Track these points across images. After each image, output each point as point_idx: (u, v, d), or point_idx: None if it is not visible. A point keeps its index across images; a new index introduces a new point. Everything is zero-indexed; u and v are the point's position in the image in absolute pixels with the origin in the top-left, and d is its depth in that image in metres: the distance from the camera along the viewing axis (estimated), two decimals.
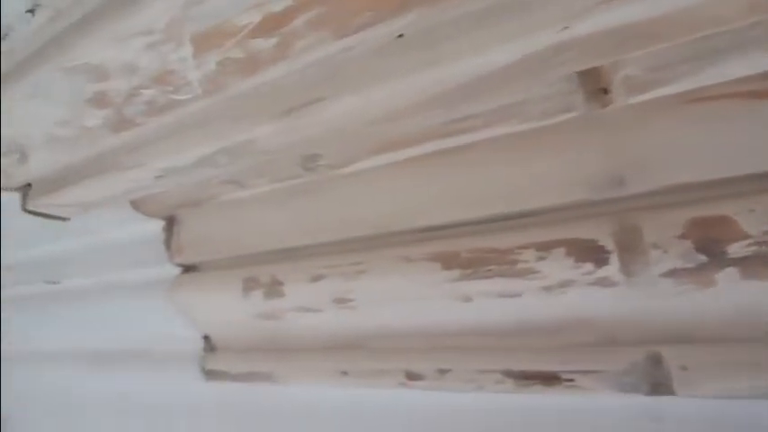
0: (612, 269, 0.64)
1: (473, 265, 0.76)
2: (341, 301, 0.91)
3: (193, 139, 0.71)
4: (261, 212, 1.00)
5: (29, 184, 0.99)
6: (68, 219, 1.07)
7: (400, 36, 0.52)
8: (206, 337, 1.17)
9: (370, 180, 0.85)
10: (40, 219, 1.12)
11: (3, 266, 1.51)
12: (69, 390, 1.54)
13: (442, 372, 0.82)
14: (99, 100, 0.69)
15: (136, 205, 1.12)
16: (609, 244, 0.64)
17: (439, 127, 0.73)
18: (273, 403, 1.06)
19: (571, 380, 0.68)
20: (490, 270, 0.73)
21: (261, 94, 0.63)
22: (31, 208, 1.00)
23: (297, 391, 1.02)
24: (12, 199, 1.01)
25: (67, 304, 1.43)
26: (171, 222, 1.18)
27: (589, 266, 0.65)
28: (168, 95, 0.64)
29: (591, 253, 0.65)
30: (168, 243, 1.17)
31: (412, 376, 0.84)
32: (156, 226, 1.18)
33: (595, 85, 0.61)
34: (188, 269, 1.15)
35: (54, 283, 1.41)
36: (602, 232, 0.64)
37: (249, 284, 1.01)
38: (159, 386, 1.31)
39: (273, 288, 0.97)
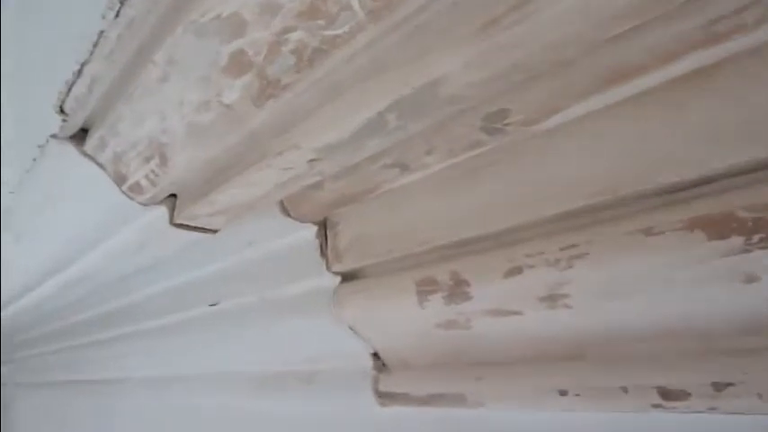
0: None
1: (762, 229, 0.52)
2: (550, 299, 0.70)
3: (356, 97, 0.55)
4: (433, 199, 0.82)
5: (173, 195, 0.90)
6: (217, 231, 0.96)
7: None
8: (375, 355, 1.01)
9: (583, 132, 0.63)
10: (188, 237, 1.04)
11: (156, 292, 1.48)
12: (229, 415, 1.46)
13: (718, 387, 0.58)
14: (236, 63, 0.55)
15: (286, 210, 1.00)
16: None
17: (696, 32, 0.50)
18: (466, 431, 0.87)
19: None
20: None
21: (449, 6, 0.44)
22: (179, 221, 0.90)
23: (496, 416, 0.82)
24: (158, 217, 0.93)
25: (224, 326, 1.35)
26: (324, 226, 1.04)
27: None
28: (321, 33, 0.48)
29: None
30: (323, 250, 1.04)
31: (670, 394, 0.61)
32: (309, 233, 1.05)
33: None
34: (348, 277, 1.00)
35: (213, 305, 1.34)
36: None
37: (425, 288, 0.83)
38: (326, 412, 1.17)
39: (456, 289, 0.78)
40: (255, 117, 0.62)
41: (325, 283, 1.04)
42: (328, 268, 1.02)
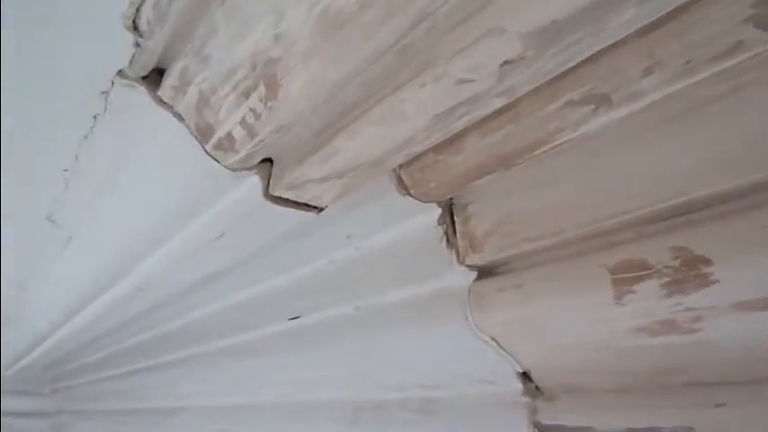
0: None
1: None
2: None
3: None
4: (640, 148, 0.58)
5: (269, 159, 0.68)
6: (323, 208, 0.74)
7: None
8: (524, 375, 0.76)
9: None
10: (281, 224, 0.82)
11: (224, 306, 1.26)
12: None
13: None
14: None
15: (403, 185, 0.77)
16: None
17: None
18: None
19: None
20: None
21: None
22: (278, 193, 0.69)
23: None
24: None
25: (306, 344, 1.12)
26: (449, 209, 0.81)
27: None
28: None
29: None
30: (449, 239, 0.80)
31: None
32: (429, 218, 0.82)
33: None
34: (488, 272, 0.76)
35: (294, 318, 1.11)
36: None
37: (627, 275, 0.58)
38: None
39: (688, 273, 0.53)
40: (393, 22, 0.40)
41: (454, 281, 0.80)
42: (460, 261, 0.78)
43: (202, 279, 1.13)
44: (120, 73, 0.61)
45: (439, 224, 0.82)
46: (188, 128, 0.64)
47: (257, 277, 1.11)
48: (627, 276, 0.58)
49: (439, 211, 0.81)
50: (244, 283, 1.15)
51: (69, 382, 2.54)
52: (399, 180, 0.77)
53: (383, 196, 0.80)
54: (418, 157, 0.72)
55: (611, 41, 0.46)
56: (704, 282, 0.53)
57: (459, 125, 0.53)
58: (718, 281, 0.52)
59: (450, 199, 0.81)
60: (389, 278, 0.92)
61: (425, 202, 0.78)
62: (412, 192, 0.77)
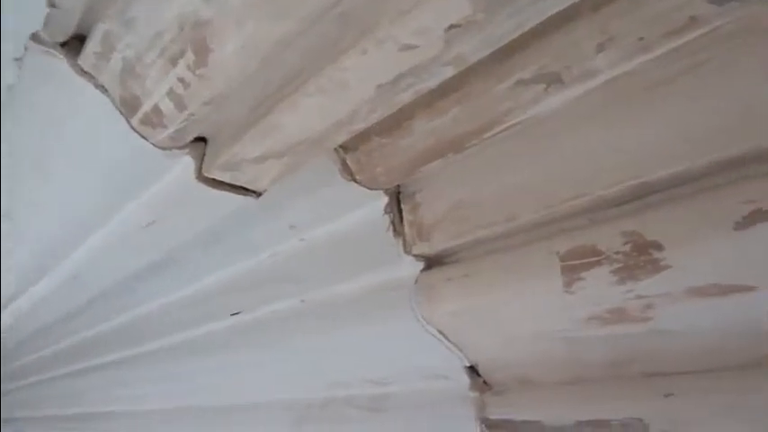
0: None
1: None
2: None
3: None
4: (592, 129, 0.56)
5: (203, 139, 0.64)
6: (261, 192, 0.70)
7: None
8: (472, 369, 0.74)
9: None
10: (216, 210, 0.77)
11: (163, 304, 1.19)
12: None
13: None
14: None
15: (349, 170, 0.73)
16: None
17: None
18: None
19: None
20: None
21: None
22: (211, 174, 0.64)
23: None
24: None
25: (251, 341, 1.06)
26: (396, 197, 0.78)
27: None
28: None
29: None
30: (396, 228, 0.77)
31: None
32: (375, 207, 0.78)
33: None
34: (436, 262, 0.73)
35: (236, 313, 1.06)
36: None
37: (576, 261, 0.56)
38: None
39: (639, 258, 0.52)
40: None
41: (401, 272, 0.77)
42: (407, 251, 0.75)
43: (139, 272, 1.07)
44: (35, 37, 0.55)
45: (386, 213, 0.78)
46: (112, 100, 0.59)
47: (197, 271, 1.05)
48: (577, 263, 0.56)
49: (386, 199, 0.77)
50: (183, 277, 1.09)
51: (11, 386, 2.38)
52: (344, 165, 0.73)
53: (328, 183, 0.76)
54: (364, 140, 0.68)
55: (564, 5, 0.44)
56: (655, 267, 0.51)
57: (406, 98, 0.50)
58: (670, 266, 0.50)
59: (398, 186, 0.78)
60: (336, 270, 0.88)
61: (372, 189, 0.75)
62: (358, 178, 0.73)
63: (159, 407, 1.40)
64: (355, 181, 0.74)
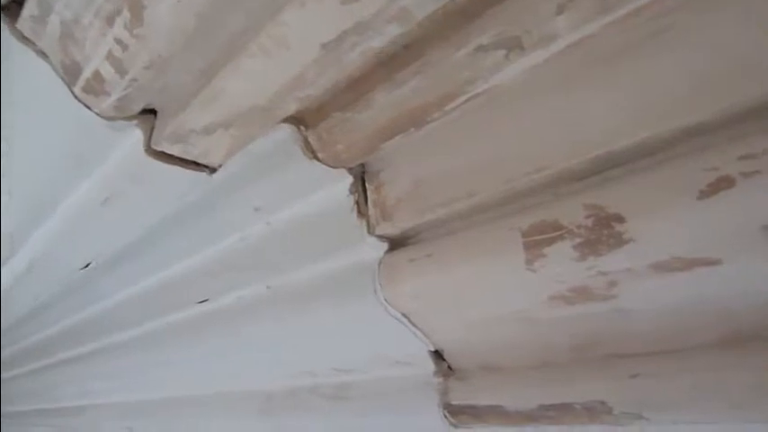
0: None
1: None
2: None
3: None
4: (553, 98, 0.54)
5: (151, 110, 0.60)
6: (215, 168, 0.67)
7: None
8: (437, 354, 0.71)
9: None
10: (172, 186, 0.74)
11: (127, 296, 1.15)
12: None
13: None
14: None
15: (310, 148, 0.70)
16: None
17: None
18: None
19: None
20: None
21: None
22: (160, 147, 0.61)
23: None
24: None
25: (216, 330, 1.03)
26: (360, 176, 0.75)
27: None
28: None
29: None
30: (362, 207, 0.74)
31: None
32: (339, 187, 0.76)
33: None
34: (401, 243, 0.71)
35: (203, 301, 1.02)
36: None
37: (539, 237, 0.54)
38: None
39: (601, 232, 0.49)
40: None
41: (365, 254, 0.74)
42: (370, 232, 0.72)
43: (103, 260, 1.03)
44: None
45: (351, 193, 0.76)
46: (54, 67, 0.56)
47: (162, 258, 1.02)
48: (539, 239, 0.53)
49: (350, 178, 0.75)
50: (147, 266, 1.06)
51: None
52: (306, 143, 0.70)
53: (291, 162, 0.73)
54: (324, 115, 0.65)
55: None
56: (618, 241, 0.49)
57: (354, 59, 0.47)
58: (633, 239, 0.48)
59: (363, 165, 0.75)
60: (300, 254, 0.85)
61: (335, 167, 0.72)
62: (320, 156, 0.71)
63: (124, 400, 1.36)
64: (318, 159, 0.71)
